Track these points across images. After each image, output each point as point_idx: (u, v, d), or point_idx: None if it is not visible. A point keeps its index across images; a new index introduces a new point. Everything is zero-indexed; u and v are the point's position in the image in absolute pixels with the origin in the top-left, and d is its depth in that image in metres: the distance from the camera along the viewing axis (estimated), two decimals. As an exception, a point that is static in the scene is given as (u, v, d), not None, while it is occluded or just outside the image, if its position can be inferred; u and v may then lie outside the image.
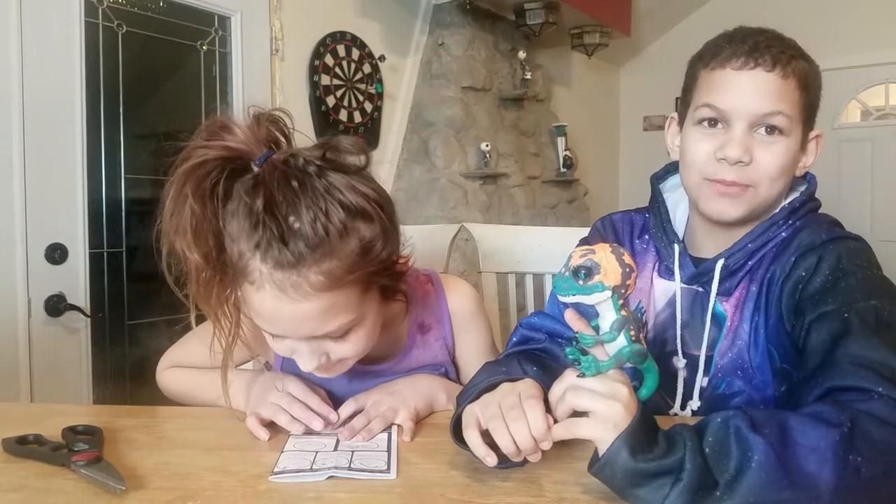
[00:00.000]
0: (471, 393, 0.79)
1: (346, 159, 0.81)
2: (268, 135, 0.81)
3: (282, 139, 0.83)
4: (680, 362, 0.95)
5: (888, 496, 0.63)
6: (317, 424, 0.87)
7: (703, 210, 0.91)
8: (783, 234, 0.90)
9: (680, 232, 0.99)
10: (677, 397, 0.96)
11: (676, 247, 0.96)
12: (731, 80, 0.86)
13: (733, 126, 0.87)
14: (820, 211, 0.94)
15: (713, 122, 0.89)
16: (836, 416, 0.64)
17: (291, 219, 0.75)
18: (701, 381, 0.94)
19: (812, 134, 0.92)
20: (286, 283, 0.75)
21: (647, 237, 1.02)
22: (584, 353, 0.72)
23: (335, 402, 0.94)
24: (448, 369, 1.04)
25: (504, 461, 0.72)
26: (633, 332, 0.71)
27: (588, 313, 0.75)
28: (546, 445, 0.70)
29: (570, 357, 0.72)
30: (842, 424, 0.63)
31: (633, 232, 1.04)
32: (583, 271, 0.68)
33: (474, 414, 0.74)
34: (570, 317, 0.75)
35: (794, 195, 0.93)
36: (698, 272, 0.94)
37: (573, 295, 0.69)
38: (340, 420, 0.89)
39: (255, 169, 0.78)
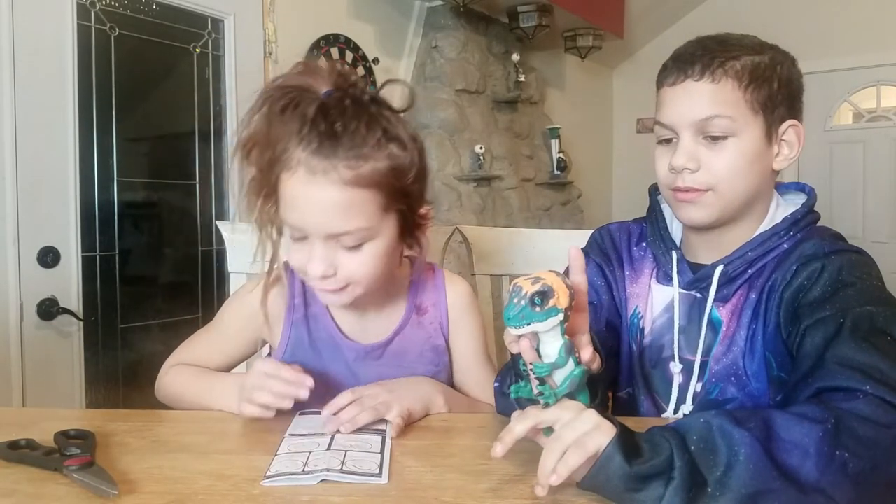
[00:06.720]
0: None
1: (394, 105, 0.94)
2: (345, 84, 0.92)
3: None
4: (676, 367, 0.96)
5: (877, 491, 0.63)
6: (303, 393, 0.88)
7: (678, 218, 0.96)
8: (785, 245, 0.91)
9: (677, 240, 1.01)
10: (671, 401, 0.96)
11: (675, 253, 0.98)
12: (669, 96, 0.92)
13: (680, 137, 0.91)
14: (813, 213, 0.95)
15: (668, 139, 0.93)
16: (819, 414, 0.64)
17: (337, 123, 0.85)
18: (695, 385, 0.94)
19: (785, 125, 0.91)
20: (318, 168, 0.85)
21: (644, 245, 1.04)
22: (542, 382, 0.70)
23: (335, 388, 0.95)
24: (445, 358, 1.06)
25: None
26: (578, 354, 0.71)
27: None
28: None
29: (516, 396, 0.72)
30: (825, 421, 0.63)
31: (631, 240, 1.06)
32: (539, 297, 0.67)
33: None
34: (525, 347, 0.70)
35: (795, 207, 0.93)
36: (697, 278, 0.95)
37: (528, 325, 0.67)
38: (335, 408, 0.90)
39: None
